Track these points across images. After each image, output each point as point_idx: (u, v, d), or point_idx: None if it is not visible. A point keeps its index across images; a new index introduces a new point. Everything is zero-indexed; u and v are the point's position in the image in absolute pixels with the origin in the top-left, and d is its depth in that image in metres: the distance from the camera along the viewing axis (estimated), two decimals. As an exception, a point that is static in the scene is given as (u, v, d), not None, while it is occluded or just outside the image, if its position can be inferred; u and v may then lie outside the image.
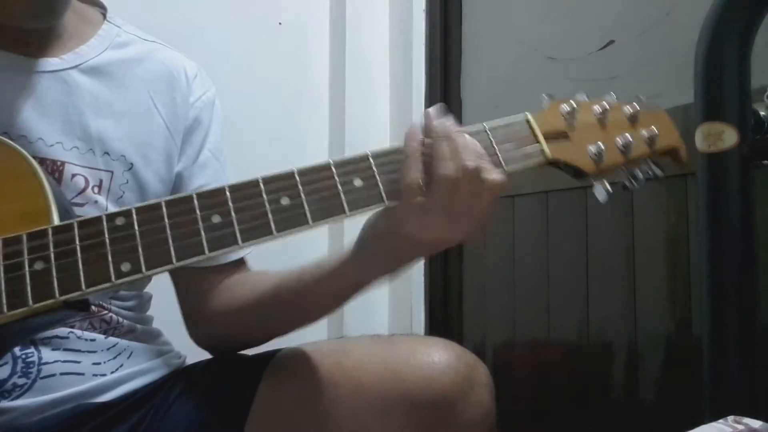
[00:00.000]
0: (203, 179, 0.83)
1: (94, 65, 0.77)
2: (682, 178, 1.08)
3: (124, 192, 0.76)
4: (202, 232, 0.55)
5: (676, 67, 1.10)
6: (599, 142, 0.66)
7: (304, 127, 1.73)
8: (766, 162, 0.77)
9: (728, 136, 0.75)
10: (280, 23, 1.71)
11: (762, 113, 0.76)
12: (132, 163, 0.77)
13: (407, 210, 0.60)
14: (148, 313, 0.86)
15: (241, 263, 0.85)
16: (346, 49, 1.73)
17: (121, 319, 0.78)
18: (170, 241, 0.54)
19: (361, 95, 1.74)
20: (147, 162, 0.78)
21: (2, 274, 0.52)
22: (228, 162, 0.88)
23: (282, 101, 1.70)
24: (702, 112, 0.78)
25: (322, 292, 0.73)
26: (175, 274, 0.84)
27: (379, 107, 1.77)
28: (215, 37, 1.58)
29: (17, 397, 0.68)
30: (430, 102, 1.69)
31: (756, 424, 0.55)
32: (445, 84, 1.69)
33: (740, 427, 0.54)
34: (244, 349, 0.83)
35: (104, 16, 0.82)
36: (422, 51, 1.72)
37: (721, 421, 0.56)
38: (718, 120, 0.76)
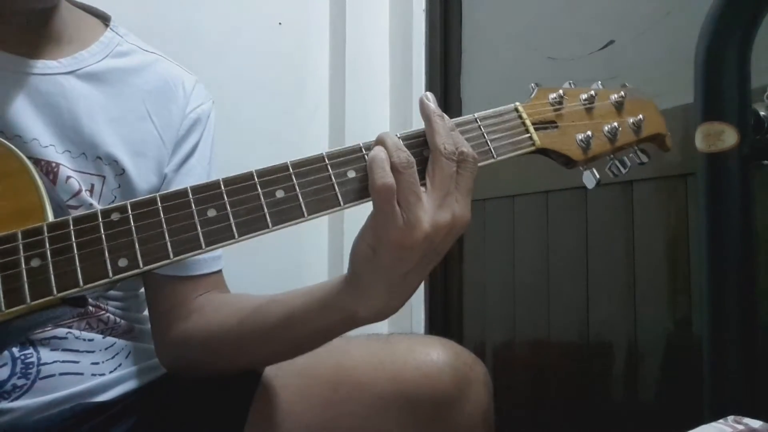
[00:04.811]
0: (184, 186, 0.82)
1: (92, 71, 0.77)
2: (682, 178, 1.08)
3: (115, 197, 0.76)
4: (198, 227, 0.55)
5: (676, 67, 1.10)
6: (587, 130, 0.67)
7: (304, 127, 1.73)
8: (766, 162, 0.77)
9: (728, 136, 0.75)
10: (280, 23, 1.71)
11: (762, 113, 0.76)
12: (124, 169, 0.76)
13: (386, 215, 0.56)
14: (145, 313, 0.86)
15: (216, 280, 0.82)
16: (346, 49, 1.74)
17: (118, 320, 0.79)
18: (167, 235, 0.54)
19: (361, 95, 1.74)
20: (138, 168, 0.77)
21: None
22: (221, 166, 0.87)
23: (282, 101, 1.70)
24: (702, 112, 0.78)
25: (310, 324, 0.66)
26: (146, 284, 0.81)
27: (379, 107, 1.77)
28: (215, 37, 1.58)
29: (17, 398, 0.68)
30: (430, 102, 1.69)
31: (756, 424, 0.55)
32: (445, 84, 1.69)
33: (740, 427, 0.54)
34: (214, 376, 0.77)
35: (106, 25, 0.82)
36: (422, 51, 1.72)
37: (721, 421, 0.56)
38: (718, 120, 0.76)
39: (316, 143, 1.74)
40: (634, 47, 1.22)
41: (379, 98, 1.78)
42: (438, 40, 1.70)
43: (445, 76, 1.69)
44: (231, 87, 1.54)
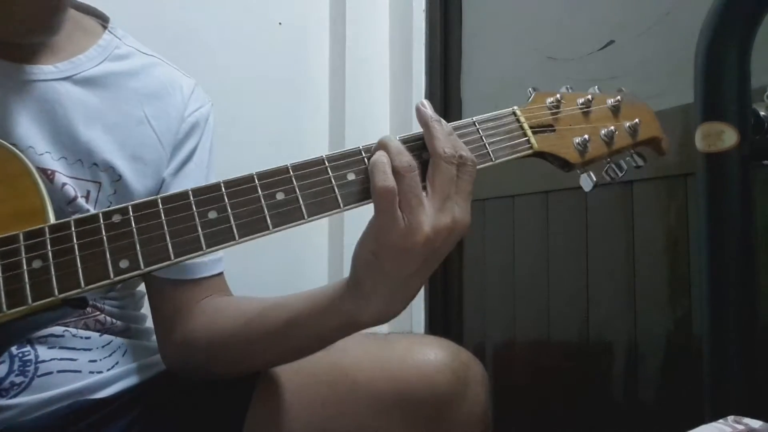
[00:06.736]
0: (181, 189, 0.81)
1: (89, 76, 0.75)
2: (682, 178, 1.08)
3: (111, 203, 0.75)
4: (199, 228, 0.55)
5: (676, 67, 1.10)
6: (584, 134, 0.68)
7: (304, 127, 1.73)
8: (766, 162, 0.77)
9: (728, 136, 0.75)
10: (280, 23, 1.71)
11: (762, 113, 0.76)
12: (120, 175, 0.75)
13: (387, 219, 0.57)
14: (142, 311, 0.86)
15: (218, 283, 0.82)
16: (346, 49, 1.74)
17: (114, 320, 0.79)
18: (168, 237, 0.54)
19: (361, 95, 1.74)
20: (136, 174, 0.77)
21: (0, 274, 0.51)
22: (220, 166, 0.86)
23: (282, 101, 1.70)
24: (702, 112, 0.78)
25: (312, 329, 0.66)
26: (149, 287, 0.81)
27: (379, 107, 1.77)
28: (215, 37, 1.58)
29: (15, 396, 0.69)
30: (430, 102, 1.68)
31: (756, 424, 0.55)
32: (445, 84, 1.68)
33: (740, 427, 0.54)
34: (218, 378, 0.77)
35: (105, 27, 0.81)
36: (422, 51, 1.72)
37: (721, 421, 0.56)
38: (718, 120, 0.76)
39: (316, 143, 1.74)
40: (634, 47, 1.22)
41: (379, 98, 1.78)
42: (438, 40, 1.70)
43: (445, 76, 1.69)
44: (231, 87, 1.54)
